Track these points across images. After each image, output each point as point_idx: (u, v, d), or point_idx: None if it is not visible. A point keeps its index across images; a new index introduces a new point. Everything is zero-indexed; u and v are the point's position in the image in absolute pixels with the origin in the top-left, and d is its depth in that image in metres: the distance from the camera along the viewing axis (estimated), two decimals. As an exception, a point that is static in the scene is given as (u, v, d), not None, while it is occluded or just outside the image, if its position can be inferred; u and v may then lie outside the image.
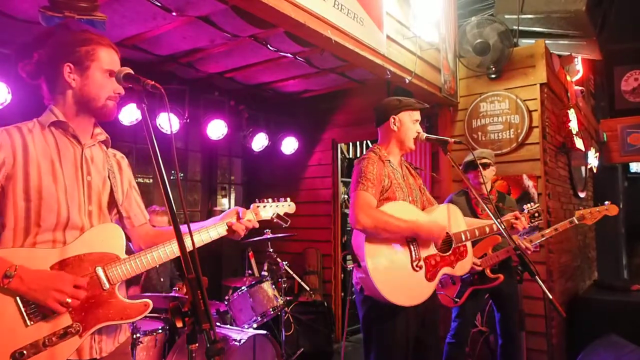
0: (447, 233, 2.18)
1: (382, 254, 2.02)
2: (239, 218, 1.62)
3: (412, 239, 2.08)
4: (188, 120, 4.06)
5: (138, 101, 1.25)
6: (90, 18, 2.19)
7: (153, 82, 1.27)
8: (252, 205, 1.75)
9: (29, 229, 1.31)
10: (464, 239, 2.21)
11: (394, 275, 2.03)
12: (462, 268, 2.25)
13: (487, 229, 2.27)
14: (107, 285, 1.35)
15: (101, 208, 1.45)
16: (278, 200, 1.85)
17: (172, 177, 3.98)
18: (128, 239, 1.55)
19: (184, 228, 1.39)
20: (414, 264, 2.07)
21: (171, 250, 1.46)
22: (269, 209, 1.79)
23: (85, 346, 1.33)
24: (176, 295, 3.08)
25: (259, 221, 1.71)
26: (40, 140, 1.37)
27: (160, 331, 2.83)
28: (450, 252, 2.18)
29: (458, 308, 2.99)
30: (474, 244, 2.44)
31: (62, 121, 1.40)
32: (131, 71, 1.38)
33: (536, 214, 2.52)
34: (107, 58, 1.42)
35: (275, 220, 1.82)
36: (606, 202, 2.86)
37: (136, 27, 3.15)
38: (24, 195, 1.30)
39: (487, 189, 3.06)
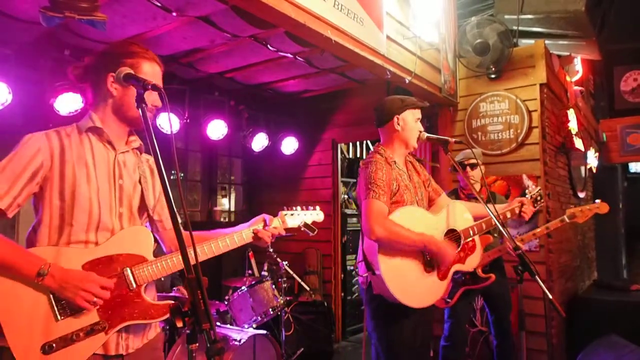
0: (455, 230, 2.20)
1: (396, 261, 2.04)
2: (265, 225, 1.67)
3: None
4: (188, 120, 4.06)
5: (138, 101, 1.26)
6: (91, 18, 2.20)
7: (153, 82, 1.29)
8: (279, 213, 1.77)
9: (62, 227, 1.37)
10: (472, 234, 2.22)
11: (408, 279, 2.05)
12: (471, 263, 2.27)
13: (494, 221, 2.24)
14: (133, 286, 1.41)
15: (132, 211, 1.50)
16: (307, 209, 1.86)
17: (172, 177, 3.98)
18: (156, 241, 1.60)
19: (201, 233, 1.57)
20: (427, 265, 2.10)
21: (201, 251, 1.52)
22: (296, 218, 1.80)
23: (111, 342, 1.39)
24: (176, 295, 3.08)
25: (286, 229, 1.74)
26: (77, 144, 1.44)
27: (160, 331, 2.83)
28: (460, 248, 2.20)
29: (450, 309, 2.99)
30: None
31: (99, 127, 1.47)
32: (131, 71, 1.41)
33: (538, 198, 2.50)
34: (150, 72, 1.48)
35: (302, 229, 1.82)
36: (597, 200, 2.86)
37: (136, 28, 3.15)
38: (59, 195, 1.37)
39: (476, 188, 3.08)
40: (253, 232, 1.65)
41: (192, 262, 1.46)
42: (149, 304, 1.43)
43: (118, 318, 1.38)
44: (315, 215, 1.89)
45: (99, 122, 1.48)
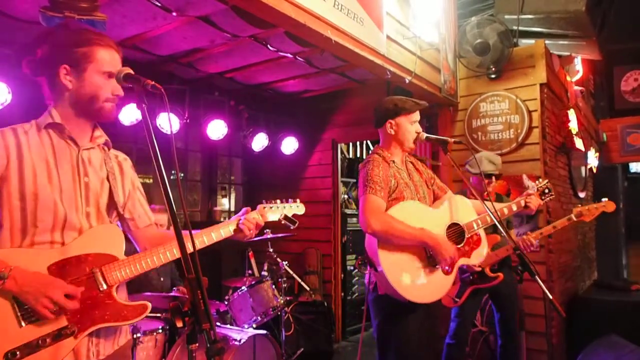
0: (458, 224, 2.18)
1: (398, 257, 2.03)
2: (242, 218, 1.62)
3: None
4: (188, 120, 4.06)
5: (138, 101, 1.24)
6: (91, 18, 2.19)
7: (153, 82, 1.27)
8: (258, 206, 1.73)
9: (26, 229, 1.30)
10: (475, 227, 2.21)
11: (412, 275, 2.04)
12: (478, 256, 2.24)
13: (498, 213, 2.24)
14: (104, 287, 1.34)
15: (99, 209, 1.43)
16: (287, 201, 1.81)
17: (172, 177, 3.98)
18: (128, 240, 1.54)
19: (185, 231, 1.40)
20: (430, 260, 2.08)
21: (171, 252, 1.45)
22: (275, 211, 1.75)
23: (82, 348, 1.32)
24: (176, 295, 3.08)
25: (265, 222, 1.69)
26: (36, 142, 1.36)
27: (160, 331, 2.83)
28: (464, 242, 2.19)
29: (457, 308, 2.99)
30: None
31: (58, 123, 1.39)
32: (131, 71, 1.38)
33: (546, 190, 2.47)
34: (106, 59, 1.39)
35: (283, 222, 1.78)
36: (604, 199, 2.86)
37: (136, 27, 3.15)
38: (19, 196, 1.30)
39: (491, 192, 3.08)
40: (232, 227, 1.60)
41: (175, 259, 1.42)
42: (122, 305, 1.36)
43: (88, 321, 1.30)
44: (295, 207, 1.83)
45: (59, 118, 1.39)
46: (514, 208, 2.40)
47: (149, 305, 1.40)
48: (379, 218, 2.00)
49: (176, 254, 1.45)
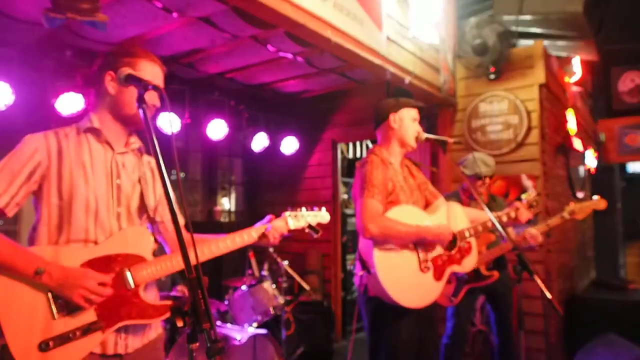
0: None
1: (391, 260, 2.04)
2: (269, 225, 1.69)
3: (419, 242, 2.10)
4: (188, 120, 4.07)
5: (139, 102, 1.26)
6: (92, 19, 2.21)
7: (154, 83, 1.30)
8: (283, 214, 1.77)
9: (61, 226, 1.39)
10: (467, 235, 2.23)
11: (404, 280, 2.06)
12: (468, 264, 2.26)
13: (489, 223, 2.27)
14: (132, 286, 1.41)
15: (130, 211, 1.50)
16: (312, 209, 1.82)
17: (172, 177, 3.99)
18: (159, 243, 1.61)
19: (203, 235, 1.59)
20: (422, 265, 2.10)
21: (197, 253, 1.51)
22: (300, 219, 1.78)
23: (109, 341, 1.39)
24: (177, 294, 3.09)
25: (290, 230, 1.74)
26: (75, 145, 1.45)
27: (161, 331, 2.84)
28: (456, 249, 2.20)
29: (453, 307, 3.01)
30: None
31: (96, 128, 1.48)
32: (132, 72, 1.40)
33: (534, 203, 2.51)
34: (148, 70, 1.49)
35: (307, 231, 1.79)
36: (595, 197, 2.87)
37: (137, 28, 3.16)
38: (57, 194, 1.39)
39: (485, 193, 3.11)
40: (256, 233, 1.68)
41: (200, 262, 1.48)
42: (147, 304, 1.43)
43: (115, 318, 1.38)
44: (320, 216, 1.85)
45: (97, 123, 1.49)
46: (504, 219, 2.42)
47: (172, 304, 1.44)
48: (376, 222, 2.01)
49: (207, 254, 1.56)
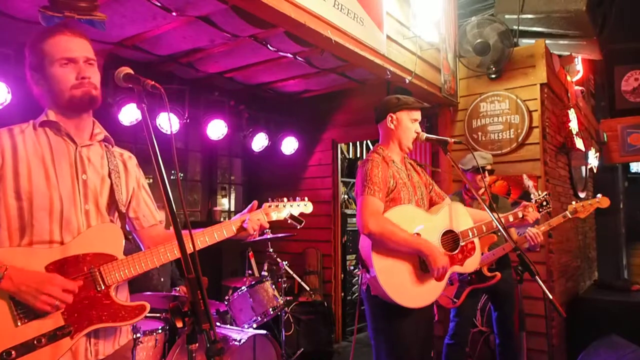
0: (453, 231, 2.18)
1: (391, 261, 2.03)
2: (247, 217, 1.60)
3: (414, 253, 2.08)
4: (188, 120, 4.06)
5: (138, 101, 1.24)
6: (90, 18, 2.19)
7: (153, 82, 1.26)
8: (264, 205, 1.70)
9: (24, 228, 1.30)
10: (470, 235, 2.21)
11: (403, 280, 2.04)
12: (471, 265, 2.24)
13: (494, 224, 2.23)
14: (102, 287, 1.33)
15: (99, 207, 1.41)
16: (294, 200, 1.77)
17: (172, 177, 3.98)
18: (129, 240, 1.52)
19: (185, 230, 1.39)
20: (423, 265, 2.08)
21: (172, 252, 1.43)
22: (282, 209, 1.72)
23: (80, 348, 1.31)
24: (176, 295, 3.08)
25: (270, 221, 1.66)
26: (32, 140, 1.36)
27: (160, 331, 2.83)
28: (458, 250, 2.18)
29: (456, 308, 2.99)
30: None
31: (52, 121, 1.39)
32: (131, 71, 1.36)
33: (544, 203, 2.50)
34: (56, 47, 1.35)
35: (289, 221, 1.74)
36: (598, 195, 2.86)
37: (136, 27, 3.15)
38: (15, 195, 1.30)
39: (483, 190, 3.09)
40: (233, 226, 1.57)
41: (175, 258, 1.40)
42: (120, 306, 1.35)
43: (85, 321, 1.29)
44: (303, 206, 1.79)
45: (54, 117, 1.39)
46: (511, 219, 2.42)
47: (148, 305, 1.39)
48: (377, 220, 1.99)
49: (177, 253, 1.43)
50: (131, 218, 1.54)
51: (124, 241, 1.44)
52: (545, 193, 2.55)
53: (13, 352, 1.20)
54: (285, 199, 1.75)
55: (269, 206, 1.70)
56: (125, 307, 1.36)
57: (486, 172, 3.10)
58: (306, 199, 1.82)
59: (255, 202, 1.66)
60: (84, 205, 1.38)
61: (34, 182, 1.31)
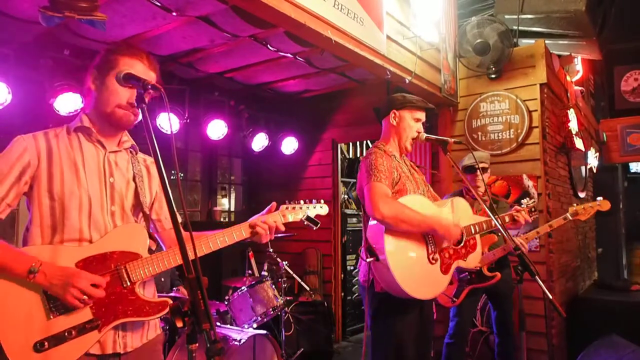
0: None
1: (401, 247, 2.02)
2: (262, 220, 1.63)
3: (428, 233, 2.09)
4: (188, 120, 4.06)
5: (138, 101, 1.26)
6: (90, 18, 2.19)
7: (153, 82, 1.30)
8: (280, 207, 1.72)
9: (55, 226, 1.38)
10: (473, 231, 2.23)
11: (413, 269, 2.03)
12: (473, 260, 2.27)
13: (493, 223, 2.27)
14: (127, 283, 1.40)
15: (124, 209, 1.49)
16: (310, 202, 1.79)
17: (172, 177, 3.98)
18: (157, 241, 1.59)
19: (200, 233, 1.53)
20: (430, 257, 2.09)
21: (192, 251, 1.47)
22: (298, 212, 1.74)
23: (107, 340, 1.38)
24: (176, 295, 3.08)
25: (287, 223, 1.68)
26: (65, 144, 1.45)
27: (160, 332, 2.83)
28: (462, 244, 2.20)
29: (455, 307, 3.00)
30: None
31: (86, 127, 1.48)
32: (131, 71, 1.39)
33: (533, 209, 2.69)
34: (129, 67, 1.44)
35: (305, 223, 1.75)
36: (599, 198, 2.88)
37: (136, 27, 3.15)
38: (49, 194, 1.38)
39: (484, 190, 3.10)
40: (250, 227, 1.61)
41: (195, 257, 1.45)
42: (144, 301, 1.42)
43: (111, 316, 1.37)
44: (319, 208, 1.80)
45: (88, 122, 1.48)
46: (507, 220, 2.49)
47: (170, 301, 1.44)
48: (389, 203, 1.98)
49: (205, 249, 1.52)
50: (154, 220, 1.62)
51: (148, 240, 1.50)
52: (533, 200, 2.72)
53: (46, 343, 1.28)
54: (302, 201, 1.76)
55: (286, 208, 1.73)
56: (150, 303, 1.43)
57: (478, 171, 3.09)
58: (322, 201, 1.84)
59: (274, 204, 1.69)
60: (111, 206, 1.46)
61: (66, 184, 1.39)
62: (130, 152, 1.59)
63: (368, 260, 2.03)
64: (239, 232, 1.60)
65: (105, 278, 1.37)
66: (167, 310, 1.43)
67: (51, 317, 1.31)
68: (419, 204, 2.11)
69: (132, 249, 1.44)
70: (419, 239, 2.08)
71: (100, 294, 1.34)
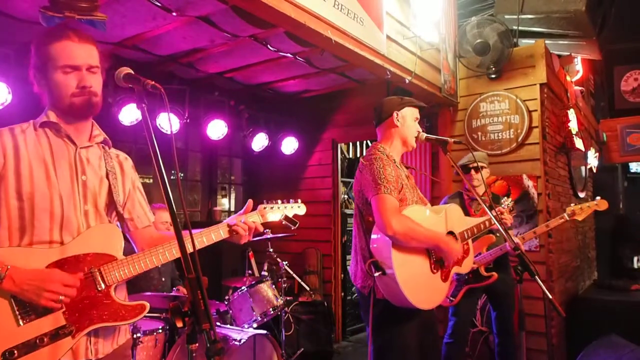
0: (453, 233, 2.20)
1: (408, 261, 2.02)
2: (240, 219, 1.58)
3: (433, 248, 2.10)
4: (188, 120, 4.06)
5: (138, 101, 1.24)
6: (91, 18, 2.19)
7: (153, 82, 1.26)
8: (258, 207, 1.69)
9: (24, 228, 1.30)
10: (466, 237, 2.25)
11: (418, 280, 2.04)
12: (467, 265, 2.29)
13: (487, 223, 2.31)
14: (102, 286, 1.34)
15: (97, 208, 1.42)
16: (287, 202, 1.77)
17: (172, 177, 3.98)
18: (128, 240, 1.53)
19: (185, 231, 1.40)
20: (432, 266, 2.10)
21: (170, 252, 1.43)
22: (276, 211, 1.71)
23: (80, 347, 1.31)
24: (176, 295, 3.08)
25: (264, 223, 1.65)
26: (33, 141, 1.36)
27: (160, 331, 2.83)
28: None
29: (453, 307, 3.01)
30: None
31: (54, 122, 1.39)
32: (131, 71, 1.36)
33: (512, 208, 2.84)
34: (61, 53, 1.35)
35: (284, 223, 1.75)
36: (597, 198, 2.89)
37: (136, 27, 3.15)
38: (16, 195, 1.30)
39: (483, 189, 3.11)
40: (228, 227, 1.55)
41: (174, 259, 1.41)
42: (120, 305, 1.35)
43: (86, 321, 1.30)
44: (297, 207, 1.79)
45: (54, 117, 1.39)
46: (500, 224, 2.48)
47: (147, 305, 1.39)
48: (399, 220, 1.96)
49: (175, 254, 1.44)
50: (126, 219, 1.53)
51: (123, 241, 1.44)
52: (510, 200, 2.88)
53: (15, 352, 1.21)
54: (279, 201, 1.74)
55: (264, 207, 1.69)
56: (126, 307, 1.36)
57: (472, 171, 3.09)
58: (299, 200, 1.82)
59: (250, 202, 1.64)
60: (84, 205, 1.38)
61: (35, 183, 1.31)
62: (103, 147, 1.50)
63: (375, 275, 2.01)
64: (217, 233, 1.53)
65: (78, 275, 1.30)
66: (143, 314, 1.37)
67: (21, 323, 1.23)
68: (421, 215, 2.11)
69: (106, 250, 1.37)
70: (422, 251, 2.09)
71: (74, 293, 1.27)
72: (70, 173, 1.38)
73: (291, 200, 1.80)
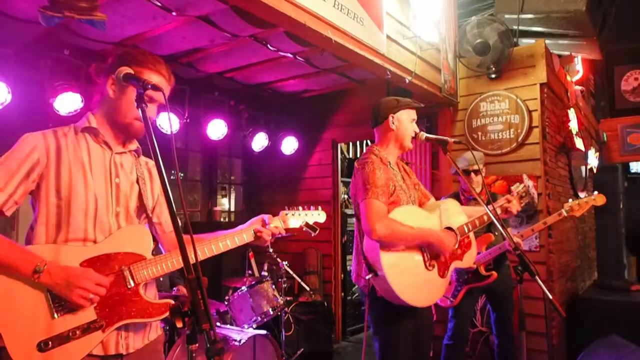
0: (451, 228, 2.20)
1: (399, 260, 2.04)
2: (264, 225, 1.68)
3: (423, 245, 2.11)
4: (188, 120, 4.06)
5: (138, 101, 1.26)
6: (90, 18, 2.19)
7: (153, 82, 1.29)
8: (281, 213, 1.79)
9: (60, 225, 1.38)
10: (466, 230, 2.24)
11: (412, 279, 2.06)
12: (469, 259, 2.29)
13: (486, 218, 2.29)
14: (131, 284, 1.41)
15: (128, 210, 1.50)
16: (308, 209, 1.86)
17: (172, 177, 3.98)
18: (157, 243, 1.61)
19: (201, 235, 1.55)
20: (427, 263, 2.11)
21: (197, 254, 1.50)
22: (297, 218, 1.81)
23: (110, 341, 1.38)
24: (176, 295, 3.08)
25: (287, 229, 1.75)
26: (73, 144, 1.45)
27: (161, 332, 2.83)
28: (457, 245, 2.21)
29: (453, 308, 3.00)
30: None
31: (93, 127, 1.48)
32: (131, 71, 1.40)
33: (523, 194, 2.60)
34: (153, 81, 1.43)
35: (304, 229, 1.83)
36: (595, 192, 2.87)
37: (136, 27, 3.15)
38: (56, 193, 1.38)
39: (477, 191, 3.10)
40: (253, 232, 1.65)
41: (192, 262, 1.47)
42: (147, 303, 1.43)
43: (115, 316, 1.37)
44: (317, 215, 1.89)
45: (95, 123, 1.49)
46: (498, 212, 2.46)
47: (172, 303, 1.43)
48: (385, 223, 2.00)
49: (200, 256, 1.52)
50: (154, 223, 1.62)
51: (152, 242, 1.51)
52: (523, 185, 2.61)
53: (50, 343, 1.28)
54: (300, 208, 1.84)
55: (286, 214, 1.79)
56: (153, 304, 1.44)
57: (472, 174, 3.09)
58: (320, 208, 1.92)
59: (267, 216, 1.73)
60: (115, 207, 1.47)
61: (73, 183, 1.40)
62: (135, 154, 1.60)
63: (368, 277, 2.06)
64: (241, 237, 1.63)
65: (110, 278, 1.37)
66: (168, 312, 1.44)
67: (55, 316, 1.31)
68: (414, 215, 2.13)
69: (136, 250, 1.45)
70: (414, 248, 2.10)
71: (103, 292, 1.34)
72: (105, 176, 1.47)
73: (312, 207, 1.89)
